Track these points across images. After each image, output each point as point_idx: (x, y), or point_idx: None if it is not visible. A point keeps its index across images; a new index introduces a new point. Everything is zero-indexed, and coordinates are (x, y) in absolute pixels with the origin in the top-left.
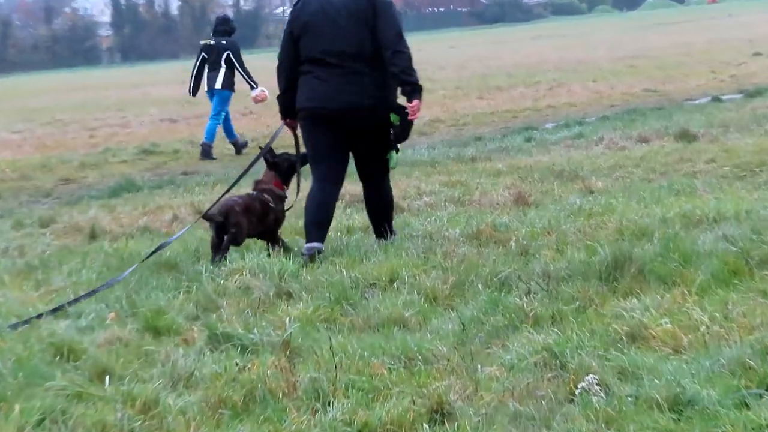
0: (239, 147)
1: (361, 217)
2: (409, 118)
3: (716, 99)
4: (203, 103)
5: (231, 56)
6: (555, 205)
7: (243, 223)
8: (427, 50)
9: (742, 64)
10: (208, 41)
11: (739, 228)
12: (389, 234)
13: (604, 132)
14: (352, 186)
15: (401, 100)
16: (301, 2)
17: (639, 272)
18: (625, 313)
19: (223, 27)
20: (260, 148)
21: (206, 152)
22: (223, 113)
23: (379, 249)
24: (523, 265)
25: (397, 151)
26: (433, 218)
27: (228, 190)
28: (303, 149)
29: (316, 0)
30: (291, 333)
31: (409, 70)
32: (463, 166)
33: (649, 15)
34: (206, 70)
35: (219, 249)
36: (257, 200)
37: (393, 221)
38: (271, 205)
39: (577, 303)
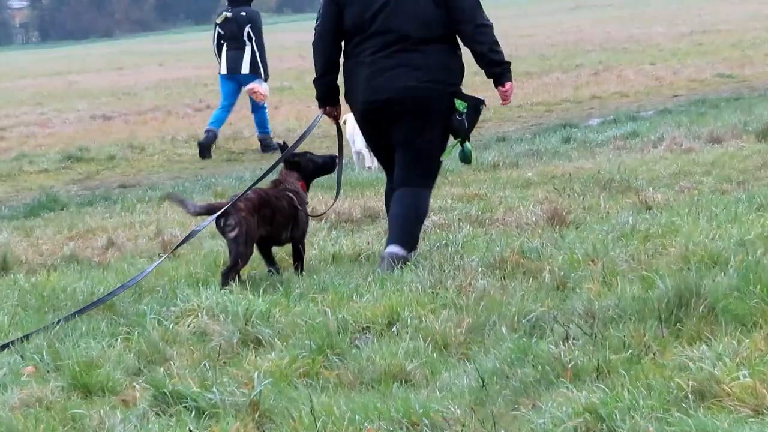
0: (207, 146)
1: (350, 242)
2: (503, 103)
3: None
4: (145, 95)
5: (251, 30)
6: (601, 225)
7: (251, 224)
8: None
9: None
10: (224, 15)
11: None
12: (406, 247)
13: (664, 130)
14: (338, 203)
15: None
16: None
17: (709, 311)
18: (691, 364)
19: None
20: (281, 145)
21: (267, 145)
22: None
23: (377, 275)
24: (559, 302)
25: (464, 141)
26: (444, 243)
27: (244, 192)
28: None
29: None
30: (260, 391)
31: (497, 46)
32: (482, 175)
33: None
34: (225, 50)
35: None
36: (285, 199)
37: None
38: (299, 208)
39: (630, 351)
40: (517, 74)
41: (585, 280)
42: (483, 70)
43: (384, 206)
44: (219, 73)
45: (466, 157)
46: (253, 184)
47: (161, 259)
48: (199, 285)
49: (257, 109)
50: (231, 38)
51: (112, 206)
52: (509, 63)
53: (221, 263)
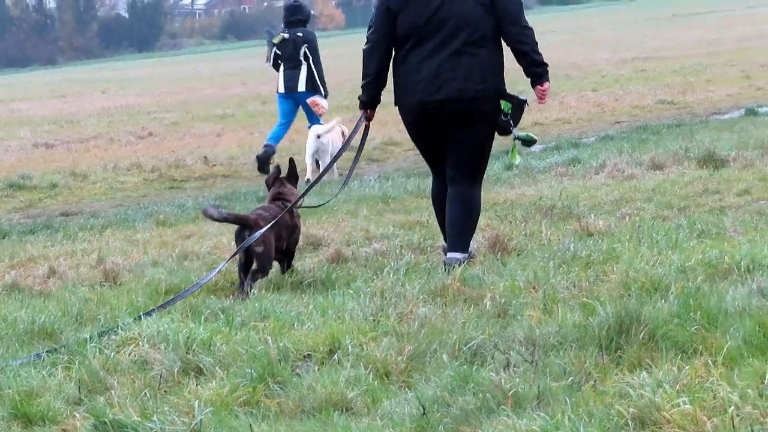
0: (265, 160)
1: (292, 270)
2: (540, 102)
3: (751, 112)
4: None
5: (307, 50)
6: (542, 252)
7: (270, 241)
8: None
9: None
10: (281, 36)
11: None
12: (463, 251)
13: (606, 156)
14: None
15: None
16: None
17: (650, 338)
18: (631, 391)
19: (297, 16)
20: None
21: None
22: (314, 115)
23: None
24: (500, 329)
25: (517, 137)
26: (385, 270)
27: (297, 201)
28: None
29: None
30: (201, 420)
31: (538, 48)
32: (424, 202)
33: (665, 4)
34: (281, 69)
35: (244, 269)
36: (288, 213)
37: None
38: (297, 219)
39: (571, 378)
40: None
41: (526, 307)
42: (524, 70)
43: (433, 206)
44: (277, 92)
45: (529, 141)
46: (305, 192)
47: (226, 260)
48: (140, 314)
49: (314, 122)
50: (288, 58)
51: (54, 234)
52: (547, 65)
53: (162, 292)
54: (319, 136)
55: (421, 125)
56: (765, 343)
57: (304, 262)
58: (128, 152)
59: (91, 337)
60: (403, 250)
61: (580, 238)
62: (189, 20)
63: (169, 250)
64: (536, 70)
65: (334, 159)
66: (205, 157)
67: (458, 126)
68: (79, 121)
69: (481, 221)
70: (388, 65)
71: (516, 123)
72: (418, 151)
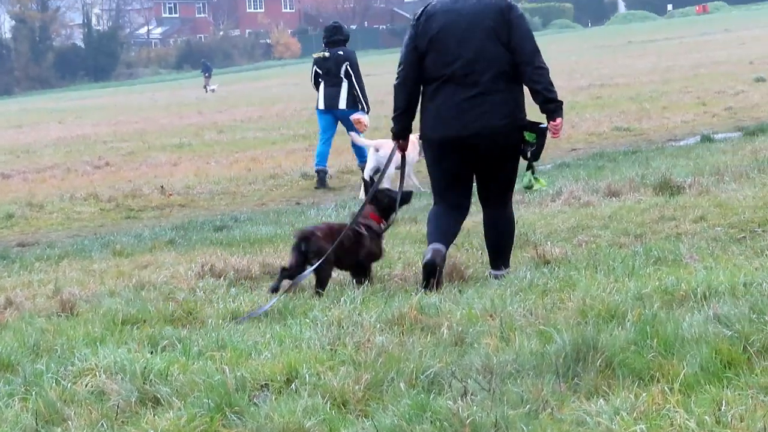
0: (324, 181)
1: (248, 300)
2: (553, 136)
3: (707, 139)
4: (45, 153)
5: (349, 68)
6: (499, 280)
7: (325, 250)
8: None
9: (741, 93)
10: (321, 54)
11: (735, 306)
12: (505, 267)
13: (562, 183)
14: (236, 260)
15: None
16: (425, 15)
17: (607, 365)
18: (588, 419)
19: (337, 36)
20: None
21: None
22: (354, 130)
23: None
24: (457, 358)
25: (533, 171)
26: (342, 299)
27: (355, 219)
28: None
29: (443, 12)
30: None
31: (552, 86)
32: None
33: (619, 31)
34: (322, 87)
35: (288, 277)
36: (351, 230)
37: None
38: (365, 236)
39: (528, 406)
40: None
41: (483, 336)
42: (539, 106)
43: (428, 222)
44: (317, 108)
45: (529, 186)
46: (359, 213)
47: (285, 291)
48: (97, 344)
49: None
50: (329, 76)
51: (10, 265)
52: (561, 102)
53: (119, 322)
54: (377, 150)
55: (444, 158)
56: (721, 369)
57: (261, 291)
58: (85, 182)
59: (47, 368)
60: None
61: (537, 266)
62: (145, 50)
63: (126, 280)
64: (549, 107)
65: (379, 180)
66: (162, 187)
67: (485, 159)
68: (35, 151)
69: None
70: (417, 99)
71: (541, 149)
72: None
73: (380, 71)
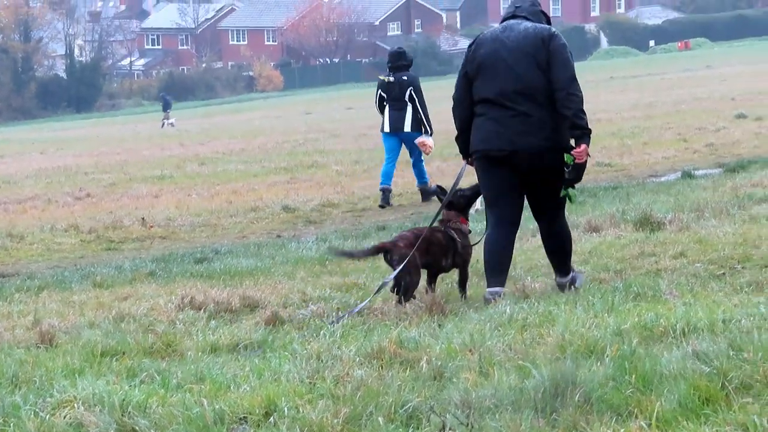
0: (428, 194)
1: (228, 332)
2: (576, 161)
3: (688, 175)
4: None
5: (413, 93)
6: (479, 315)
7: (413, 257)
8: (317, 113)
9: (722, 129)
10: (386, 78)
11: (713, 343)
12: (571, 270)
13: None
14: (217, 292)
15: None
16: (476, 44)
17: (585, 401)
18: None
19: (401, 62)
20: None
21: (426, 193)
22: (417, 152)
23: (556, 291)
24: (436, 392)
25: (573, 188)
26: (322, 332)
27: (419, 240)
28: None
29: (490, 41)
30: None
31: (582, 114)
32: (362, 264)
33: (602, 66)
34: (387, 110)
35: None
36: (440, 232)
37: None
38: (458, 240)
39: None
40: (398, 162)
41: (462, 370)
42: (568, 130)
43: (484, 252)
44: (382, 131)
45: (570, 200)
46: (432, 223)
47: (372, 294)
48: (76, 376)
49: (418, 161)
50: (394, 99)
51: None
52: (590, 129)
53: (98, 353)
54: None
55: (490, 172)
56: (699, 406)
57: (240, 324)
58: (66, 213)
59: (25, 400)
60: (339, 313)
61: (517, 301)
62: (127, 81)
63: (106, 311)
64: (576, 133)
65: (453, 186)
66: (143, 219)
67: (529, 177)
68: (16, 182)
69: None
70: (471, 119)
71: (579, 173)
72: (355, 213)
73: (363, 104)
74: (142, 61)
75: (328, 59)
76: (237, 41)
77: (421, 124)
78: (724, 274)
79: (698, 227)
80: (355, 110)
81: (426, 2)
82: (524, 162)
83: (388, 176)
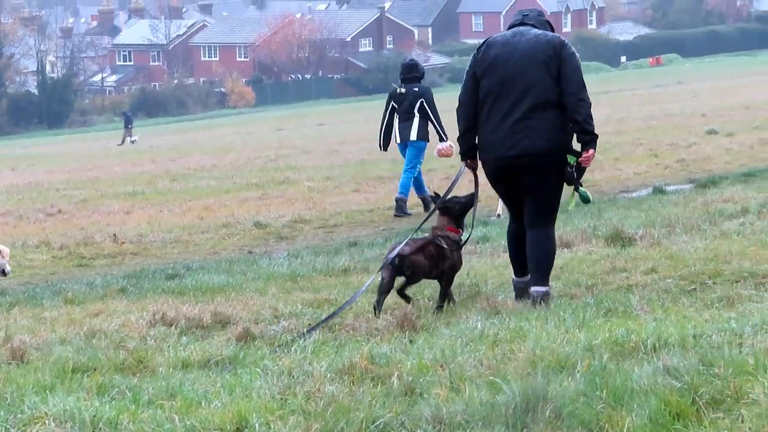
0: (429, 203)
1: (199, 348)
2: (583, 165)
3: (659, 191)
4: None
5: (425, 104)
6: (450, 330)
7: (418, 263)
8: (288, 129)
9: (693, 145)
10: (398, 89)
11: (684, 358)
12: (545, 285)
13: None
14: (188, 308)
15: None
16: (485, 45)
17: (556, 416)
18: None
19: (413, 74)
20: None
21: (401, 207)
22: (419, 166)
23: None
24: (407, 408)
25: (577, 189)
26: (293, 348)
27: (417, 231)
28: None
29: (501, 44)
30: None
31: (590, 119)
32: (333, 280)
33: None
34: (397, 121)
35: (386, 293)
36: (431, 244)
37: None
38: (446, 249)
39: None
40: (368, 178)
41: (433, 386)
42: (576, 135)
43: (507, 245)
44: (397, 142)
45: (585, 199)
46: (417, 229)
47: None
48: (47, 392)
49: (411, 172)
50: (404, 111)
51: None
52: (596, 135)
53: (70, 370)
54: None
55: (500, 178)
56: (670, 421)
57: (212, 340)
58: (37, 229)
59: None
60: (312, 324)
61: (488, 317)
62: (99, 97)
63: (77, 327)
64: (584, 138)
65: (446, 192)
66: (114, 235)
67: (531, 178)
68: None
69: (389, 300)
70: (476, 121)
71: (580, 174)
72: (327, 229)
73: (334, 121)
74: (113, 78)
75: (300, 75)
76: (209, 57)
77: (427, 133)
78: (695, 289)
79: (669, 243)
80: (327, 126)
81: (398, 18)
82: (527, 164)
83: (420, 187)
